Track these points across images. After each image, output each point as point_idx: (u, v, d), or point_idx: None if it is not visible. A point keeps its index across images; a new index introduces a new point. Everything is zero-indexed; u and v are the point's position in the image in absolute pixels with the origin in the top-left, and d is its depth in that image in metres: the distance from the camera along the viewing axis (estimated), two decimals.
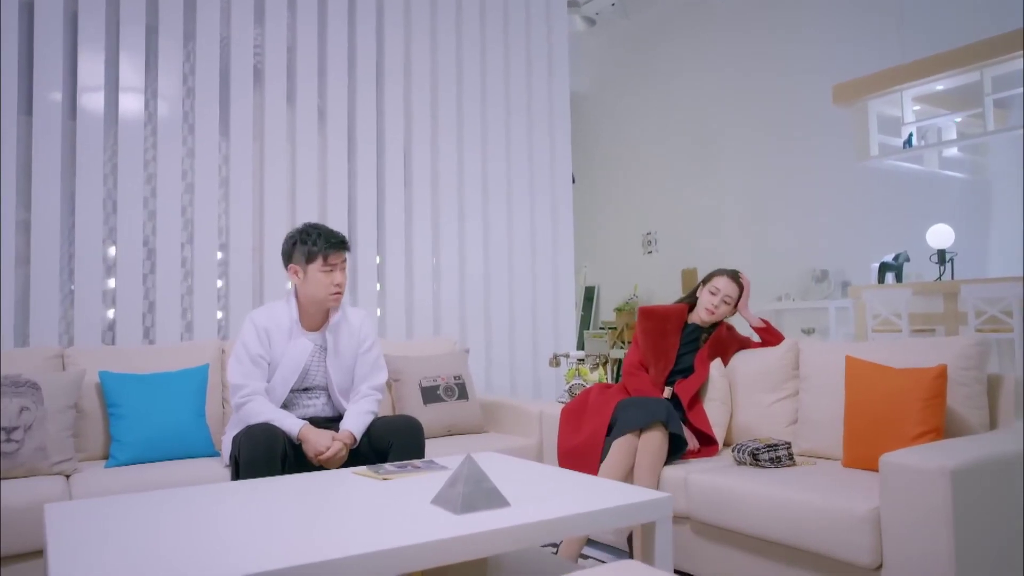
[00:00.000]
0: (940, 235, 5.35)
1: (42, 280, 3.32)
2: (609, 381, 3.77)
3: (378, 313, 4.20)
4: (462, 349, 3.70)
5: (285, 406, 2.74)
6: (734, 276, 3.08)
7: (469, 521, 1.60)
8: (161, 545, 1.49)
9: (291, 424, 2.57)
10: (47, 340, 3.31)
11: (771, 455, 2.51)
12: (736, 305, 3.07)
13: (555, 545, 2.79)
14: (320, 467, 2.57)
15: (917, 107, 6.02)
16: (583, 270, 9.29)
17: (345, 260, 2.72)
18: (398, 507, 1.76)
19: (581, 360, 3.64)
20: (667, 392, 2.98)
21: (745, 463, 2.57)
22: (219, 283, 3.76)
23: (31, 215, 3.32)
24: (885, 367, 2.43)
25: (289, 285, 2.83)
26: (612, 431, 2.74)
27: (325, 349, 2.77)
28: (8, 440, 2.55)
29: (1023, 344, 4.29)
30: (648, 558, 1.82)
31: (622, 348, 7.24)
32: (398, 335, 4.18)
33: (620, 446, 2.64)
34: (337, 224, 4.03)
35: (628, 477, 2.64)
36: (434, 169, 4.42)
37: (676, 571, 2.56)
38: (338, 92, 4.10)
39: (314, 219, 3.96)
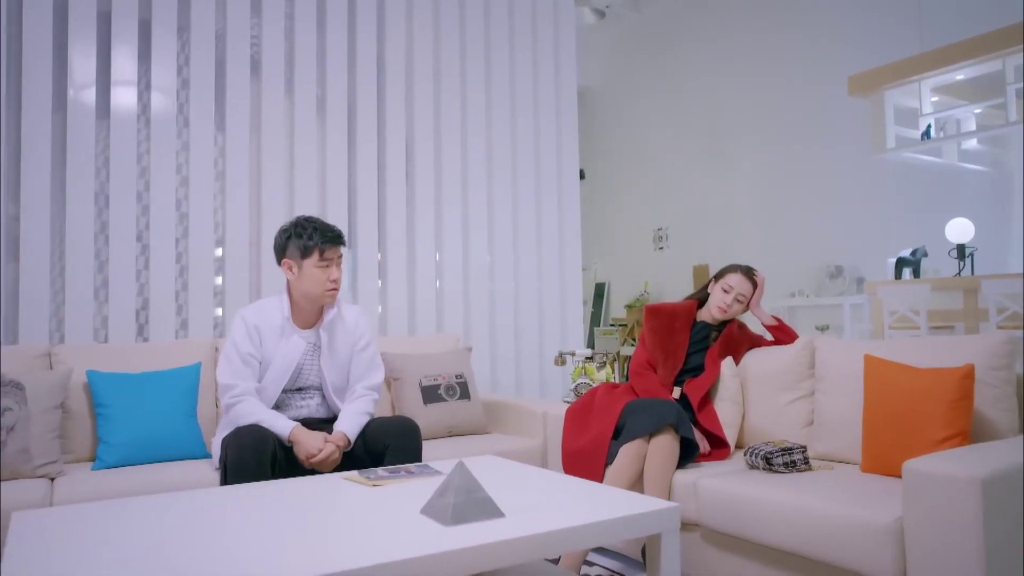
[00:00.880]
0: (959, 229, 5.19)
1: (32, 276, 3.23)
2: (617, 380, 3.65)
3: (379, 310, 4.09)
4: (464, 347, 3.58)
5: (277, 407, 2.63)
6: (748, 273, 2.95)
7: (459, 534, 1.48)
8: (127, 560, 1.38)
9: (282, 425, 2.46)
10: (37, 338, 3.22)
11: (785, 459, 2.38)
12: (748, 303, 2.94)
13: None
14: (313, 470, 2.46)
15: (936, 98, 5.85)
16: (593, 266, 9.17)
17: (341, 255, 2.61)
18: (384, 517, 1.65)
19: (590, 358, 3.52)
20: (676, 392, 2.86)
21: (758, 468, 2.44)
22: (216, 279, 3.66)
23: (20, 210, 3.23)
24: (907, 366, 2.29)
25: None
26: (619, 435, 2.62)
27: (319, 347, 2.67)
28: None
29: None
30: (654, 571, 1.70)
31: (632, 345, 7.12)
32: (400, 332, 4.07)
33: (628, 452, 2.52)
34: (337, 218, 3.92)
35: (636, 484, 2.52)
36: (437, 163, 4.31)
37: None
38: (338, 84, 3.99)
39: (314, 213, 3.85)
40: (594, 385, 3.20)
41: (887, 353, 2.46)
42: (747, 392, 2.88)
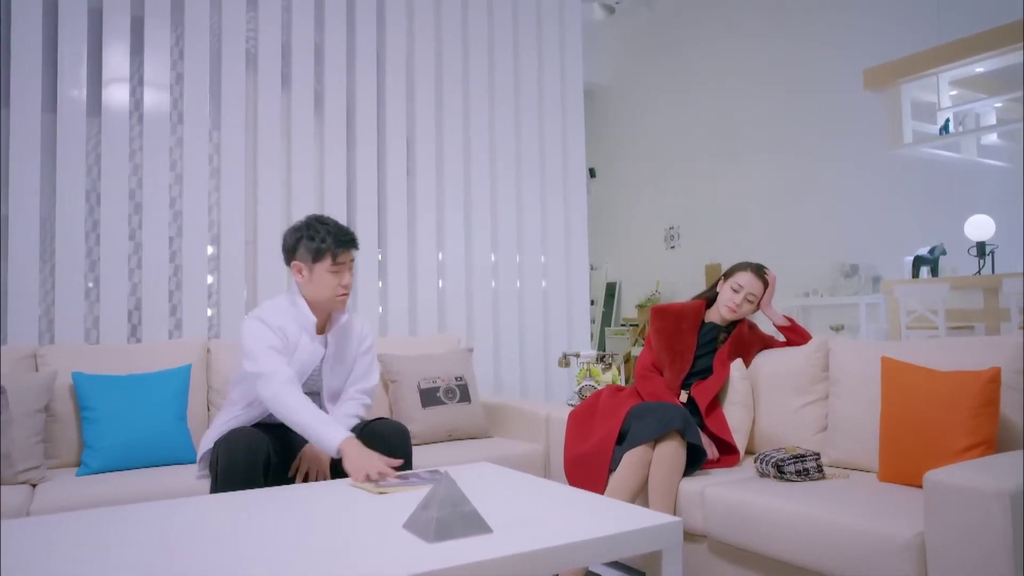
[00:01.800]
0: (979, 226, 5.04)
1: (21, 276, 3.15)
2: (624, 382, 3.53)
3: (379, 310, 3.99)
4: (465, 348, 3.47)
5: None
6: (759, 271, 2.82)
7: (440, 552, 1.37)
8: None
9: (332, 435, 2.15)
10: (27, 339, 3.14)
11: (797, 467, 2.25)
12: (759, 303, 2.82)
13: None
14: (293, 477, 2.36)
15: (954, 91, 5.70)
16: (604, 266, 9.05)
17: (353, 259, 2.47)
18: (367, 532, 1.54)
19: (602, 358, 3.40)
20: (683, 396, 2.73)
21: (768, 475, 2.32)
22: (210, 279, 3.57)
23: (8, 209, 3.15)
24: (927, 369, 2.16)
25: (291, 281, 2.57)
26: (623, 441, 2.50)
27: (326, 354, 2.53)
28: None
29: None
30: None
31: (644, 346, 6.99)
32: (401, 333, 3.96)
33: (632, 458, 2.40)
34: (336, 216, 3.80)
35: (640, 492, 2.40)
36: (439, 160, 4.20)
37: None
38: (336, 79, 3.88)
39: (311, 211, 3.75)
40: (599, 388, 3.09)
41: (905, 355, 2.32)
42: (758, 395, 2.76)
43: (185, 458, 2.71)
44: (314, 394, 2.55)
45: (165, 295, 3.42)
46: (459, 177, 4.23)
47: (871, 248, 5.88)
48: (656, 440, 2.42)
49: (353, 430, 2.42)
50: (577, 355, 3.43)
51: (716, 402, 2.69)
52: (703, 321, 2.85)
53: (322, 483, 2.08)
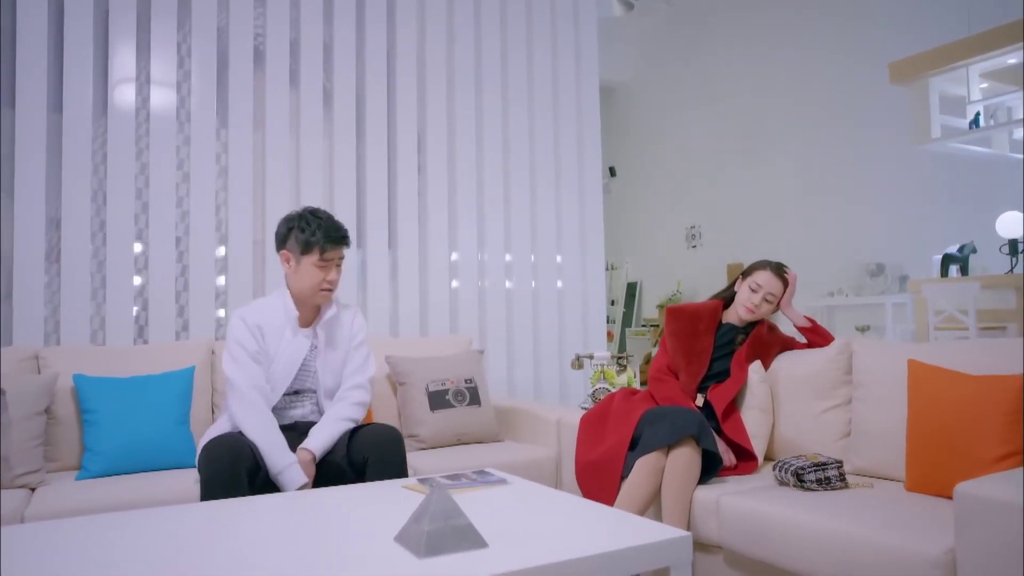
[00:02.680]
0: (1011, 224, 4.87)
1: (27, 277, 3.12)
2: (639, 385, 3.43)
3: (390, 310, 3.91)
4: (476, 349, 3.39)
5: (273, 408, 2.45)
6: (778, 270, 2.70)
7: (431, 568, 1.29)
8: None
9: (292, 478, 2.20)
10: (32, 340, 3.10)
11: (818, 476, 2.14)
12: (779, 303, 2.70)
13: None
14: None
15: (985, 84, 5.51)
16: (625, 266, 8.94)
17: (343, 257, 2.44)
18: (361, 544, 1.47)
19: (621, 359, 3.30)
20: (699, 400, 2.63)
21: (787, 484, 2.21)
22: (219, 279, 3.51)
23: (15, 209, 3.12)
24: (957, 373, 2.04)
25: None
26: (636, 446, 2.40)
27: (316, 347, 2.50)
28: None
29: None
30: None
31: None
32: (412, 334, 3.89)
33: (644, 466, 2.30)
34: (345, 215, 3.75)
35: (653, 500, 2.30)
36: (451, 159, 4.11)
37: None
38: (346, 76, 3.82)
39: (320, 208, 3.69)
40: (613, 391, 2.99)
41: (933, 357, 2.20)
42: (777, 400, 2.64)
43: (187, 462, 2.65)
44: (309, 391, 2.51)
45: (172, 296, 3.37)
46: (471, 175, 4.14)
47: (898, 246, 5.72)
48: (670, 446, 2.32)
49: (351, 435, 2.35)
50: (591, 357, 3.33)
51: (733, 406, 2.58)
52: (720, 322, 2.75)
53: (315, 491, 2.01)
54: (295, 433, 2.41)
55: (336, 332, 2.53)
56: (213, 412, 2.93)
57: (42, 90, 3.17)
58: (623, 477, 2.37)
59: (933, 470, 2.00)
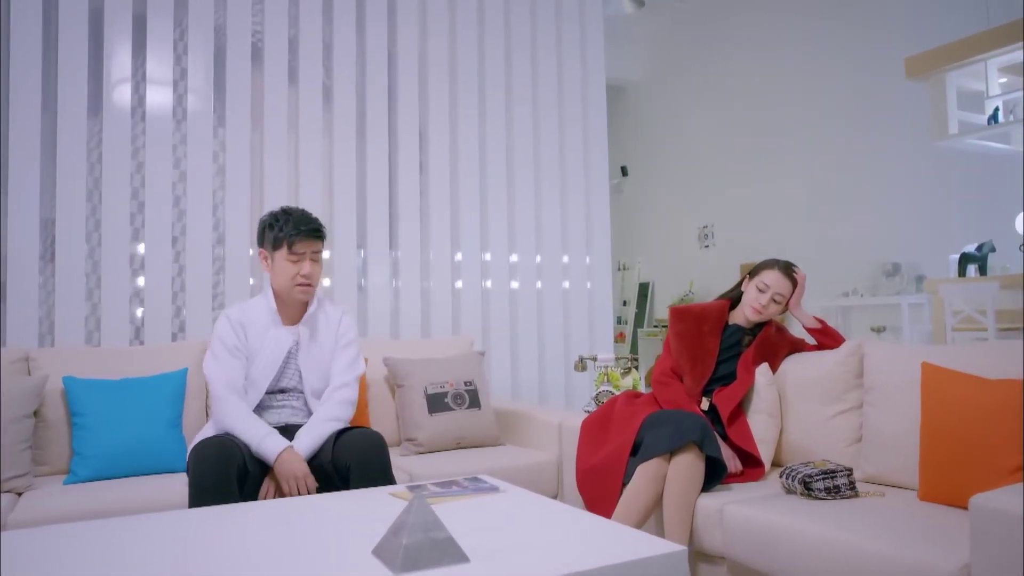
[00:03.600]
0: None
1: (21, 278, 3.07)
2: (644, 388, 3.34)
3: (391, 311, 3.84)
4: (477, 351, 3.31)
5: (259, 407, 2.42)
6: (786, 269, 2.61)
7: None
8: None
9: (271, 446, 2.20)
10: (27, 341, 3.06)
11: (827, 484, 2.05)
12: (787, 304, 2.60)
13: None
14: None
15: (1004, 79, 5.37)
16: (637, 266, 8.84)
17: (318, 251, 2.44)
18: (337, 556, 1.39)
19: (634, 360, 3.21)
20: (704, 403, 2.53)
21: (795, 492, 2.11)
22: (217, 280, 3.46)
23: (8, 210, 3.08)
24: (973, 376, 1.94)
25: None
26: (638, 452, 2.32)
27: (299, 344, 2.49)
28: None
29: None
30: None
31: None
32: (413, 335, 3.82)
33: (645, 472, 2.22)
34: (345, 215, 3.69)
35: (654, 508, 2.21)
36: (453, 158, 4.04)
37: None
38: (345, 72, 3.75)
39: (320, 210, 3.62)
40: (617, 394, 2.90)
41: (948, 359, 2.10)
42: (785, 403, 2.54)
43: (178, 466, 2.59)
44: (295, 391, 2.48)
45: (168, 296, 3.32)
46: (474, 175, 4.07)
47: (914, 245, 5.59)
48: (672, 452, 2.23)
49: (335, 440, 2.29)
50: (594, 359, 3.24)
51: (740, 410, 2.49)
52: (726, 323, 2.65)
53: (301, 497, 1.94)
54: (284, 436, 2.34)
55: (321, 330, 2.52)
56: (207, 414, 2.87)
57: (36, 89, 3.13)
58: (625, 483, 2.29)
59: (948, 479, 1.90)
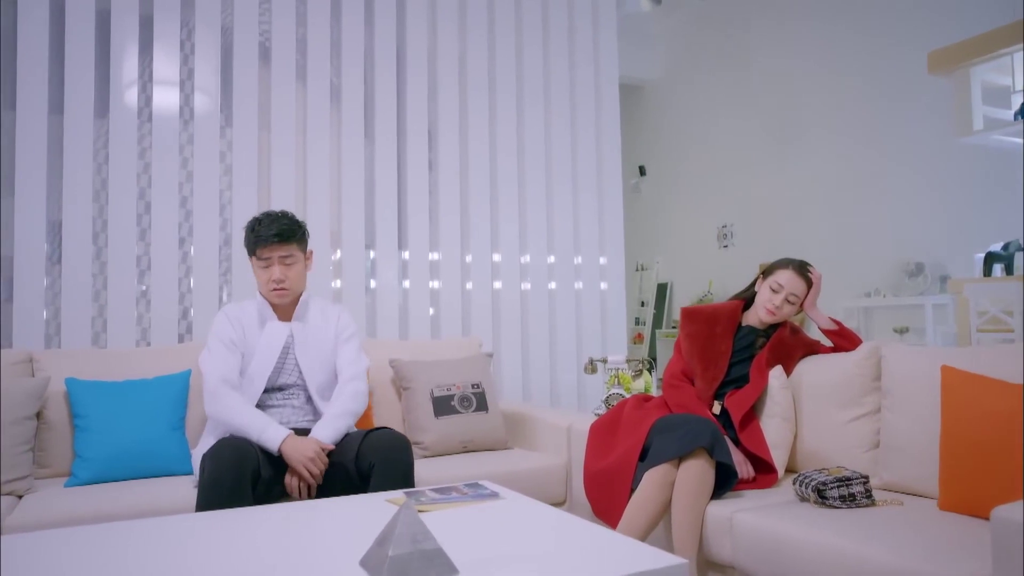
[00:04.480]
0: None
1: (25, 278, 3.07)
2: (655, 391, 3.26)
3: (399, 312, 3.80)
4: (484, 353, 3.25)
5: (259, 407, 2.41)
6: (801, 269, 2.52)
7: None
8: None
9: (272, 434, 2.23)
10: (33, 342, 3.05)
11: (842, 492, 1.97)
12: (802, 304, 2.52)
13: None
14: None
15: None
16: (655, 266, 8.75)
17: (288, 254, 2.44)
18: (330, 565, 1.34)
19: (649, 363, 3.14)
20: (716, 407, 2.46)
21: (808, 500, 2.03)
22: (223, 280, 3.43)
23: (15, 211, 3.07)
24: (996, 380, 1.85)
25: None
26: (646, 456, 2.25)
27: (294, 339, 2.50)
28: None
29: None
30: None
31: None
32: (423, 336, 3.77)
33: (653, 478, 2.15)
34: (354, 213, 3.65)
35: (662, 516, 2.15)
36: (463, 157, 3.98)
37: None
38: (354, 70, 3.71)
39: (327, 210, 3.60)
40: (627, 396, 2.83)
41: (970, 363, 2.01)
42: (800, 407, 2.46)
43: (180, 469, 2.56)
44: (296, 387, 2.47)
45: (175, 297, 3.30)
46: (485, 175, 4.01)
47: (938, 244, 5.45)
48: (681, 458, 2.16)
49: (358, 443, 2.25)
50: (604, 361, 3.18)
51: (752, 414, 2.41)
52: (739, 324, 2.58)
53: (299, 503, 1.89)
54: None
55: (318, 324, 2.54)
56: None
57: (43, 91, 3.13)
58: (633, 489, 2.22)
59: (969, 488, 1.81)
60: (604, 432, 2.51)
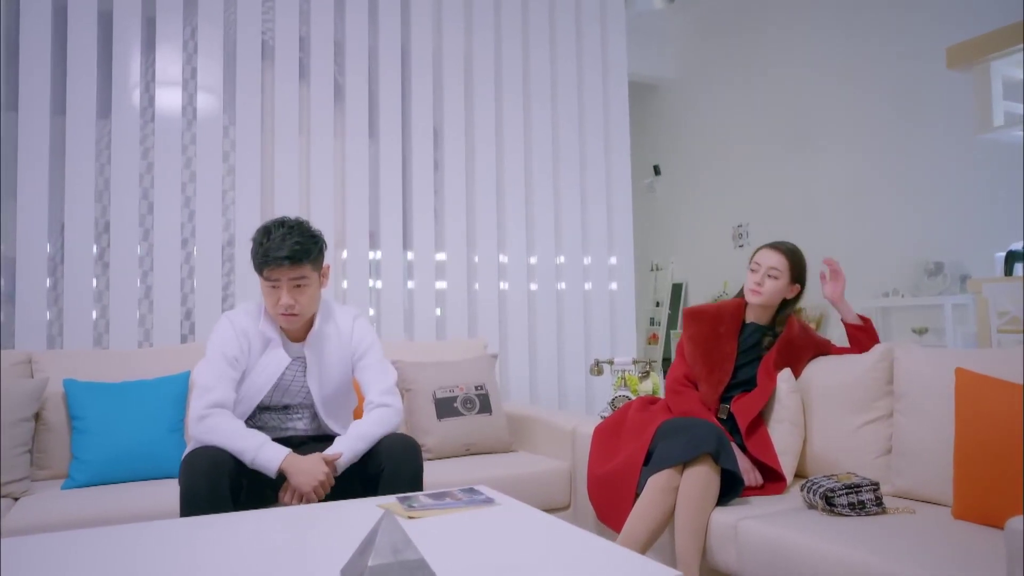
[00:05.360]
0: None
1: (28, 279, 3.05)
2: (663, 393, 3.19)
3: (403, 313, 3.75)
4: (489, 354, 3.20)
5: (261, 427, 2.28)
6: (776, 245, 2.45)
7: None
8: None
9: (270, 455, 2.02)
10: (35, 343, 3.04)
11: (851, 499, 1.90)
12: (792, 279, 2.41)
13: None
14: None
15: None
16: (670, 266, 8.66)
17: (300, 276, 2.13)
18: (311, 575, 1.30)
19: (663, 363, 3.07)
20: (722, 411, 2.39)
21: (816, 507, 1.96)
22: (225, 281, 3.41)
23: (16, 211, 3.06)
24: (1012, 384, 1.78)
25: None
26: (649, 462, 2.19)
27: (305, 364, 2.28)
28: None
29: None
30: None
31: None
32: (428, 337, 3.72)
33: (657, 484, 2.09)
34: (358, 213, 3.61)
35: (666, 523, 2.09)
36: (470, 157, 3.93)
37: None
38: (358, 69, 3.67)
39: (331, 210, 3.56)
40: (633, 399, 2.76)
41: (987, 365, 1.93)
42: (809, 412, 2.39)
43: (177, 471, 2.52)
44: (303, 406, 2.32)
45: (178, 298, 3.28)
46: (491, 175, 3.96)
47: (957, 243, 5.33)
48: (685, 463, 2.09)
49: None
50: (611, 362, 3.11)
51: (760, 419, 2.34)
52: (744, 322, 2.50)
53: (291, 508, 1.85)
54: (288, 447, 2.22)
55: (329, 346, 2.30)
56: None
57: (45, 92, 3.11)
58: (637, 494, 2.16)
59: (984, 495, 1.74)
60: (608, 435, 2.45)
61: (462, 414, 2.88)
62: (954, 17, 5.27)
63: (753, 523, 1.92)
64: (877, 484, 1.93)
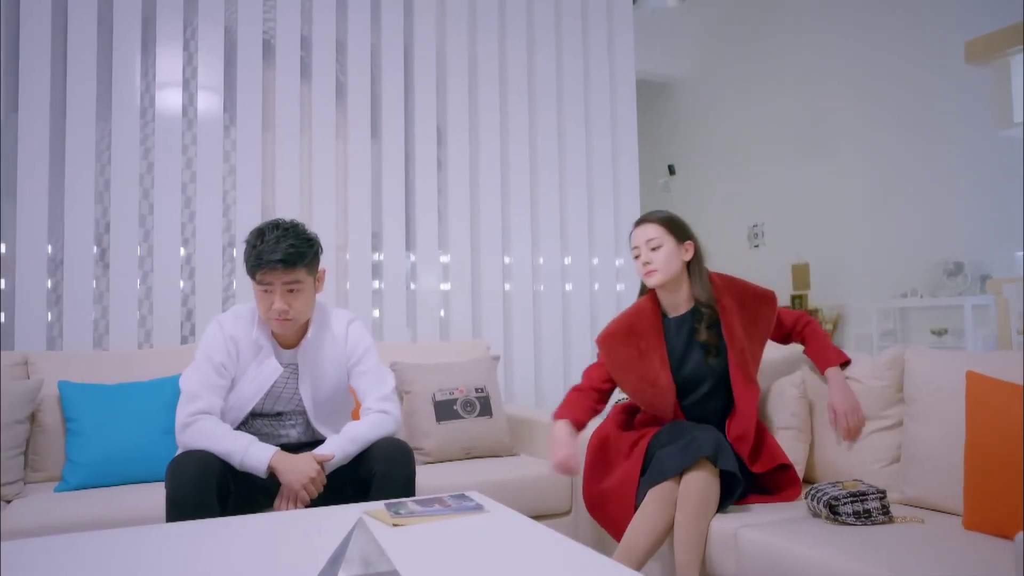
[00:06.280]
0: None
1: (28, 281, 3.04)
2: None
3: (406, 315, 3.71)
4: (491, 356, 3.15)
5: (254, 434, 2.22)
6: (646, 217, 2.29)
7: None
8: None
9: (258, 454, 1.99)
10: (35, 345, 3.02)
11: (856, 508, 1.82)
12: (678, 240, 2.25)
13: None
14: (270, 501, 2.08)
15: None
16: None
17: (294, 280, 2.07)
18: None
19: None
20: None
21: (820, 516, 1.89)
22: (226, 282, 3.38)
23: (16, 212, 3.05)
24: None
25: None
26: (646, 473, 2.11)
27: (298, 371, 2.23)
28: None
29: None
30: None
31: None
32: (432, 339, 3.67)
33: (655, 497, 2.02)
34: (360, 214, 3.57)
35: (667, 534, 2.02)
36: (474, 157, 3.88)
37: None
38: (360, 68, 3.64)
39: (333, 211, 3.52)
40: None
41: (1000, 369, 1.85)
42: (816, 417, 2.31)
43: None
44: (296, 413, 2.28)
45: (178, 299, 3.25)
46: (495, 175, 3.90)
47: (978, 243, 5.21)
48: (683, 472, 2.02)
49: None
50: None
51: (762, 427, 2.24)
52: (664, 316, 2.29)
53: (275, 514, 1.81)
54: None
55: (323, 353, 2.25)
56: None
57: (45, 93, 3.10)
58: (637, 505, 2.09)
59: (996, 505, 1.66)
60: (598, 450, 2.34)
61: (462, 417, 2.83)
62: (972, 10, 5.15)
63: (754, 531, 1.85)
64: (884, 492, 1.85)
